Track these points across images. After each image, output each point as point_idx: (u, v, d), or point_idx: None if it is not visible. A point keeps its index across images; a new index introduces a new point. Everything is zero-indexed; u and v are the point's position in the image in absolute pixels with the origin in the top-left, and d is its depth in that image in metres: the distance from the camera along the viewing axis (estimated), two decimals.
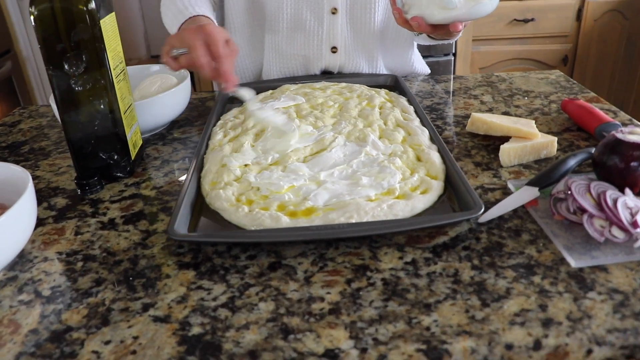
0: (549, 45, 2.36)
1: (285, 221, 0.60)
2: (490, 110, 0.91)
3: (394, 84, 1.03)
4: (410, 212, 0.62)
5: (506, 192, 0.67)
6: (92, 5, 0.66)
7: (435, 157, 0.71)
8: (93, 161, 0.75)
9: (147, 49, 4.63)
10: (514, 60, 2.39)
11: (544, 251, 0.56)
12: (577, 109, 0.83)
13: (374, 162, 0.71)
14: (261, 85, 1.05)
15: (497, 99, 0.97)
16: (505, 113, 0.90)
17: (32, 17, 0.65)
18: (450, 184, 0.67)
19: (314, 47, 1.08)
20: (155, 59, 4.68)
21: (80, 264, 0.59)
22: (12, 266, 0.59)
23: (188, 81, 0.92)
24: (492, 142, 0.80)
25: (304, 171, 0.70)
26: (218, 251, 0.59)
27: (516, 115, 0.89)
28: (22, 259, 0.60)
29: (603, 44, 2.36)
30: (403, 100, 0.91)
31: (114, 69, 0.72)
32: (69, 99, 0.71)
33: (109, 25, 0.71)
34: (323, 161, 0.72)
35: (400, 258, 0.56)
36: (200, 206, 0.66)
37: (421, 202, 0.63)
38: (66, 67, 0.68)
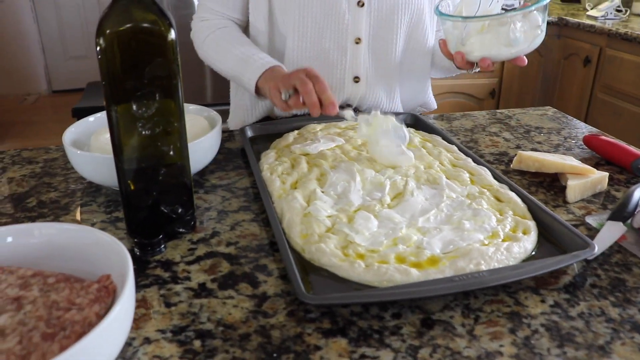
0: (477, 79, 2.55)
1: (416, 274, 0.56)
2: (518, 147, 0.95)
3: (415, 123, 1.04)
4: (524, 253, 0.62)
5: (589, 228, 0.70)
6: (173, 35, 0.59)
7: (515, 197, 0.72)
8: (150, 216, 0.66)
9: (47, 84, 4.27)
10: (447, 94, 2.55)
11: None
12: (605, 144, 0.89)
13: (462, 205, 0.70)
14: (280, 126, 1.01)
15: (517, 135, 1.01)
16: (534, 149, 0.95)
17: (98, 49, 0.57)
18: (540, 222, 0.68)
19: (336, 76, 1.07)
20: (56, 94, 4.33)
21: (197, 342, 0.50)
22: None
23: (220, 123, 0.85)
24: (543, 179, 0.83)
25: (398, 218, 0.67)
26: (355, 312, 0.54)
27: (544, 151, 0.93)
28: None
29: (524, 78, 2.60)
30: (439, 139, 0.92)
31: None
32: (131, 144, 0.62)
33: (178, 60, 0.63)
34: (411, 207, 0.69)
35: (543, 302, 0.55)
36: (295, 261, 0.61)
37: (529, 242, 0.63)
38: (134, 107, 0.60)
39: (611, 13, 2.53)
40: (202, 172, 0.86)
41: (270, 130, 1.00)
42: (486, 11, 0.87)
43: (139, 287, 0.59)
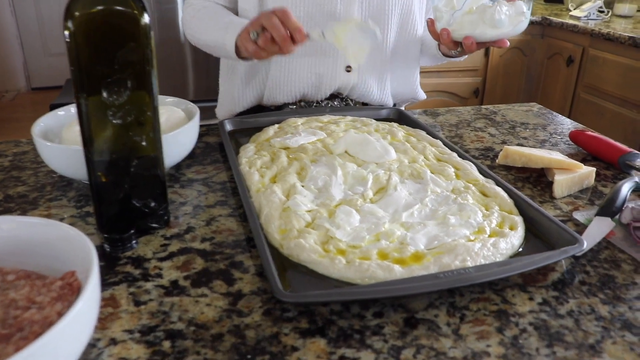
0: (461, 78, 2.54)
1: (399, 271, 0.54)
2: (504, 143, 0.94)
3: (398, 118, 1.02)
4: (512, 249, 0.60)
5: (577, 224, 0.68)
6: (146, 19, 0.55)
7: (501, 192, 0.70)
8: (122, 210, 0.62)
9: (26, 80, 4.17)
10: (432, 92, 2.53)
11: None
12: (591, 140, 0.88)
13: (447, 199, 0.68)
14: (260, 120, 0.98)
15: (502, 131, 1.00)
16: (519, 145, 0.93)
17: (66, 33, 0.53)
18: (528, 217, 0.66)
19: (329, 66, 1.06)
20: (35, 91, 4.23)
21: (167, 343, 0.47)
22: None
23: (198, 116, 0.82)
24: (530, 175, 0.81)
25: (381, 213, 0.64)
26: (334, 311, 0.51)
27: (530, 147, 0.92)
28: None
29: (507, 77, 2.60)
30: (423, 133, 0.90)
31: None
32: (101, 134, 0.58)
33: (153, 45, 0.60)
34: (394, 201, 0.67)
35: (531, 299, 0.53)
36: (274, 257, 0.58)
37: (516, 238, 0.61)
38: (105, 95, 0.56)
39: (594, 13, 2.55)
40: (179, 166, 0.83)
41: (250, 124, 0.97)
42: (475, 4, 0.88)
43: (107, 284, 0.55)
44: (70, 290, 0.47)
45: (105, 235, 0.61)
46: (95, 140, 0.58)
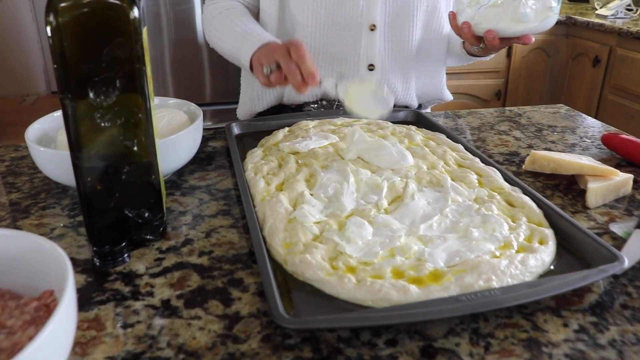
0: (483, 80, 2.46)
1: (416, 292, 0.48)
2: (531, 147, 0.87)
3: (417, 120, 0.95)
4: (542, 267, 0.53)
5: (614, 237, 0.61)
6: (136, 13, 0.51)
7: (529, 201, 0.64)
8: (114, 221, 0.58)
9: (47, 84, 4.20)
10: (452, 94, 2.45)
11: None
12: (627, 143, 0.81)
13: (469, 210, 0.61)
14: (270, 123, 0.92)
15: (528, 134, 0.93)
16: (547, 149, 0.86)
17: (48, 28, 0.48)
18: (559, 230, 0.59)
19: (350, 64, 1.03)
20: (55, 95, 4.25)
21: None
22: None
23: (201, 118, 0.77)
24: (560, 182, 0.74)
25: (396, 225, 0.58)
26: (342, 338, 0.45)
27: (558, 151, 0.85)
28: None
29: (530, 79, 2.51)
30: (443, 137, 0.84)
31: (150, 99, 0.56)
32: (88, 138, 0.54)
33: (146, 42, 0.55)
34: (411, 212, 0.61)
35: (566, 326, 0.47)
36: (277, 273, 0.53)
37: (547, 254, 0.55)
38: (91, 95, 0.51)
39: (621, 12, 2.45)
40: (181, 172, 0.78)
41: (259, 127, 0.92)
42: None
43: (93, 303, 0.50)
44: (47, 312, 0.43)
45: (95, 249, 0.56)
46: (83, 145, 0.53)
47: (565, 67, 2.50)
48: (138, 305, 0.50)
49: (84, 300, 0.51)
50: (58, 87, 0.51)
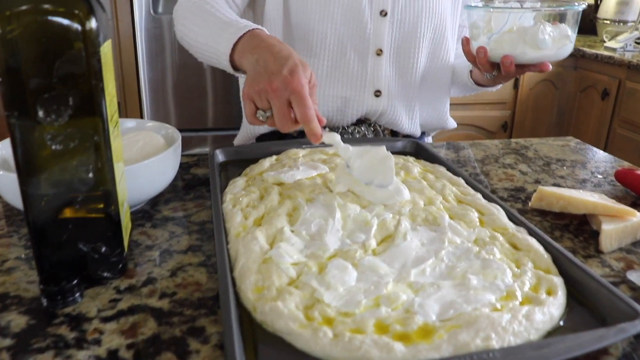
0: (489, 111, 2.41)
1: (401, 351, 0.41)
2: (538, 182, 0.80)
3: (415, 151, 0.89)
4: (550, 322, 0.46)
5: (633, 288, 0.54)
6: (93, 24, 0.45)
7: (535, 244, 0.57)
8: (66, 255, 0.51)
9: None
10: (457, 125, 2.40)
11: None
12: None
13: (468, 253, 0.55)
14: (257, 150, 0.86)
15: (535, 168, 0.86)
16: (556, 185, 0.80)
17: None
18: (569, 278, 0.52)
19: (356, 88, 0.98)
20: None
21: None
22: None
23: (179, 143, 0.71)
24: (569, 222, 0.68)
25: (384, 269, 0.52)
26: None
27: (568, 187, 0.78)
28: None
29: (537, 111, 2.45)
30: (443, 169, 0.77)
31: (110, 120, 0.50)
32: (38, 162, 0.48)
33: (107, 57, 0.50)
34: (401, 254, 0.54)
35: None
36: (245, 322, 0.46)
37: (555, 307, 0.48)
38: (40, 114, 0.46)
39: (630, 45, 2.40)
40: (155, 202, 0.72)
41: (246, 154, 0.86)
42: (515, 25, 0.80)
43: (30, 352, 0.44)
44: None
45: (42, 287, 0.50)
46: (32, 170, 0.48)
47: (573, 99, 2.45)
48: (81, 356, 0.43)
49: (20, 348, 0.44)
50: (4, 104, 0.45)
